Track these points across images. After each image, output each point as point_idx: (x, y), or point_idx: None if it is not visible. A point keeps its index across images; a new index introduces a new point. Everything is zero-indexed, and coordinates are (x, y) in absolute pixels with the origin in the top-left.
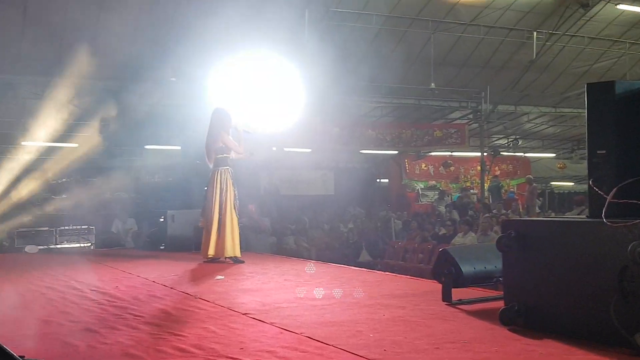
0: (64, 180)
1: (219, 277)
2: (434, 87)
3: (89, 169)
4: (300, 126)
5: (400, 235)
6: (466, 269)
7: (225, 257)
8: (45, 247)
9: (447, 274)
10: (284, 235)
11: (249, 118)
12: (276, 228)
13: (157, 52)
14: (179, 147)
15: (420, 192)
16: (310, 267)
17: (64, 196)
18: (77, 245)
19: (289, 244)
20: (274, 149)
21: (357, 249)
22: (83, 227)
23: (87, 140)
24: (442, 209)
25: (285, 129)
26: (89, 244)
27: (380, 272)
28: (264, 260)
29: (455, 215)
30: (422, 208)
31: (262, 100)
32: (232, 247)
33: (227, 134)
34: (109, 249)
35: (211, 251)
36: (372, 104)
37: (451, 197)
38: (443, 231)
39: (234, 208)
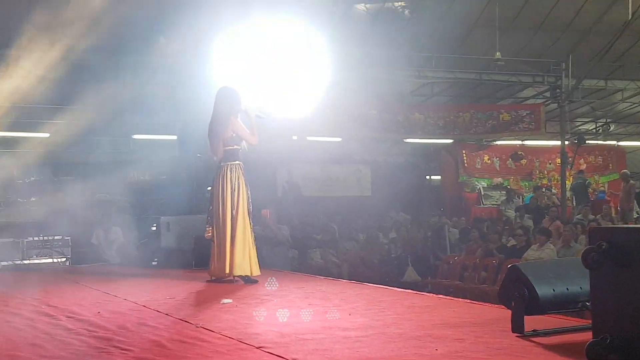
0: (32, 179)
1: (225, 300)
2: (499, 57)
3: (63, 166)
4: (327, 109)
5: (457, 248)
6: (543, 291)
7: (235, 276)
8: (10, 263)
9: (518, 298)
10: (307, 248)
11: (263, 99)
12: (297, 238)
13: (146, 16)
14: (174, 137)
15: (482, 192)
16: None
17: (32, 199)
18: (50, 260)
19: (313, 259)
20: (295, 137)
21: (402, 266)
22: (56, 237)
23: (61, 130)
24: (511, 213)
25: (309, 113)
26: (64, 259)
27: (432, 294)
28: (282, 280)
29: (528, 221)
30: (485, 213)
31: (279, 77)
32: (244, 263)
33: (237, 119)
34: (89, 265)
35: (228, 269)
36: (419, 80)
37: (522, 199)
38: (512, 242)
39: (248, 214)
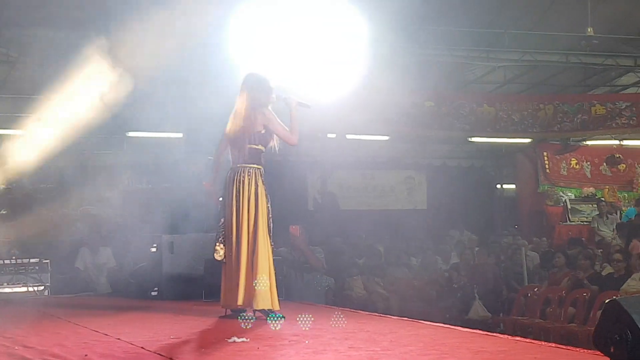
0: (2, 188)
1: (238, 339)
2: (591, 34)
3: (40, 171)
4: (371, 100)
5: (537, 277)
6: None
7: (255, 310)
8: None
9: (619, 342)
10: (346, 275)
11: (293, 84)
12: (334, 263)
13: None
14: (180, 135)
15: (568, 206)
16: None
17: (2, 212)
18: (24, 289)
19: (354, 289)
20: (331, 136)
21: (466, 298)
22: (32, 261)
23: (39, 127)
24: (607, 232)
25: (348, 105)
26: (42, 288)
27: (505, 336)
28: (315, 315)
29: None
30: (573, 232)
31: (310, 59)
32: (267, 295)
33: (271, 112)
34: (73, 295)
35: (241, 299)
36: (488, 64)
37: (620, 214)
38: (609, 270)
39: (268, 233)
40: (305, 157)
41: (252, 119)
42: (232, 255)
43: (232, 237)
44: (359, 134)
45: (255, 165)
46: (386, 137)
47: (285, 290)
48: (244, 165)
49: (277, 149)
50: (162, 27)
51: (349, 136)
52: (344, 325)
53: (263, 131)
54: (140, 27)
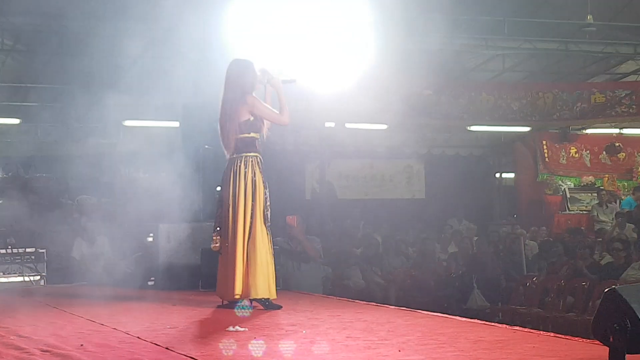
0: None
1: (237, 328)
2: (591, 21)
3: (37, 159)
4: (370, 88)
5: (536, 266)
6: None
7: (252, 299)
8: None
9: (618, 331)
10: (344, 265)
11: (286, 62)
12: (332, 253)
13: None
14: (176, 124)
15: (567, 195)
16: None
17: None
18: (20, 279)
19: (352, 279)
20: (329, 125)
21: (465, 288)
22: (28, 250)
23: (33, 114)
24: (606, 221)
25: (347, 93)
26: (38, 277)
27: (504, 326)
28: (312, 305)
29: (631, 232)
30: (572, 221)
31: (308, 44)
32: (265, 284)
33: (254, 97)
34: (69, 285)
35: (238, 289)
36: (487, 51)
37: (619, 203)
38: (608, 259)
39: (265, 222)
40: (303, 146)
41: (237, 108)
42: (228, 245)
43: (228, 227)
44: (358, 123)
45: (252, 154)
46: (385, 126)
47: (283, 281)
48: (239, 155)
49: (264, 137)
50: (156, 16)
51: (347, 125)
52: (341, 315)
53: (251, 118)
54: (137, 15)
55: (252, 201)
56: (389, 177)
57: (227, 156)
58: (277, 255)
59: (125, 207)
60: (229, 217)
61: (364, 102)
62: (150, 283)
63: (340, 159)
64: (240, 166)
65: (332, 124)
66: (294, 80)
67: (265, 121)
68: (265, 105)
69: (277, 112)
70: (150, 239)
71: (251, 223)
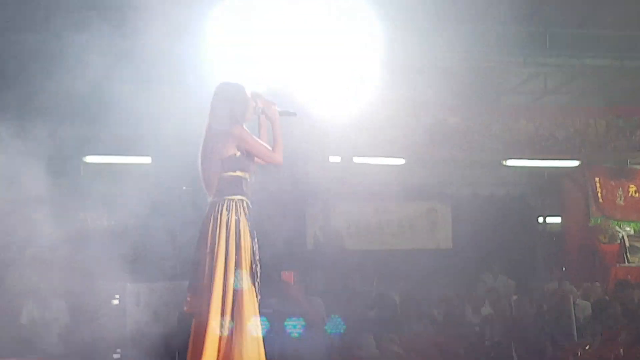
0: None
1: None
2: None
3: None
4: (384, 115)
5: (589, 331)
6: None
7: None
8: None
9: None
10: (354, 332)
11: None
12: (339, 317)
13: None
14: (148, 159)
15: (627, 244)
16: None
17: None
18: None
19: (364, 348)
20: (335, 159)
21: (502, 358)
22: None
23: None
24: None
25: (356, 120)
26: None
27: None
28: None
29: None
30: (633, 275)
31: (309, 61)
32: (252, 357)
33: (243, 129)
34: (17, 358)
35: None
36: (526, 69)
37: None
38: None
39: (254, 280)
40: (303, 185)
41: (221, 140)
42: (204, 310)
43: (205, 288)
44: (369, 157)
45: (237, 196)
46: (402, 161)
47: (278, 352)
48: (221, 197)
49: (254, 177)
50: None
51: (356, 159)
52: None
53: (238, 154)
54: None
55: (236, 255)
56: (407, 223)
57: (209, 199)
58: (270, 321)
59: (86, 263)
60: (205, 272)
61: (376, 132)
62: (116, 356)
63: (348, 201)
64: (222, 211)
65: (337, 159)
66: (294, 113)
67: (253, 160)
68: (255, 139)
69: (270, 149)
70: (116, 302)
71: (235, 281)
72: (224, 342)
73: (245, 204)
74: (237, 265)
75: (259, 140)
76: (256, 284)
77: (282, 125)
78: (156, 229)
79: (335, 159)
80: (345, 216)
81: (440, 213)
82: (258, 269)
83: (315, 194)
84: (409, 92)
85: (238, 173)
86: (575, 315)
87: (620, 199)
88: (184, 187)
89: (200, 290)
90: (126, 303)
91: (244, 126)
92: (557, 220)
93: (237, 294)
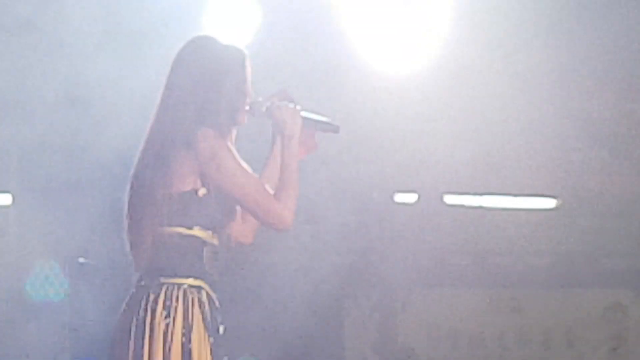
0: None
1: None
2: None
3: None
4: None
5: None
6: None
7: None
8: None
9: None
10: None
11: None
12: None
13: None
14: (7, 199)
15: None
16: None
17: None
18: None
19: None
20: (406, 198)
21: None
22: None
23: None
24: None
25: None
26: None
27: None
28: None
29: None
30: None
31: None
32: None
33: (223, 139)
34: None
35: None
36: None
37: None
38: None
39: None
40: (346, 255)
41: (175, 157)
42: None
43: None
44: (479, 195)
45: (184, 280)
46: (552, 202)
47: None
48: (156, 279)
49: (230, 239)
50: None
51: (449, 197)
52: None
53: (201, 191)
54: None
55: None
56: (562, 334)
57: (134, 280)
58: None
59: None
60: None
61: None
62: None
63: (435, 286)
64: (155, 310)
65: (411, 197)
66: (335, 127)
67: (234, 208)
68: (243, 167)
69: (270, 194)
70: None
71: None
72: None
73: (205, 297)
74: None
75: (249, 172)
76: None
77: (327, 120)
78: (17, 297)
79: (406, 198)
80: (428, 316)
81: (634, 312)
82: None
83: (370, 273)
84: (568, 93)
85: (196, 231)
86: None
87: None
88: (81, 259)
89: None
90: None
91: (231, 138)
92: None
93: None
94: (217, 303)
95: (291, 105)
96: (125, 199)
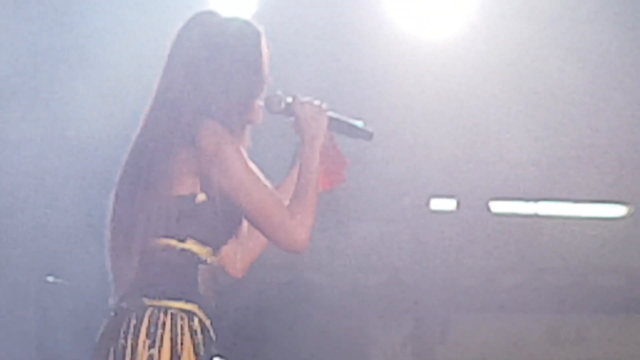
0: None
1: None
2: None
3: None
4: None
5: None
6: None
7: None
8: None
9: None
10: None
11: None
12: None
13: None
14: None
15: None
16: None
17: None
18: None
19: None
20: (444, 205)
21: None
22: None
23: None
24: None
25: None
26: None
27: None
28: None
29: None
30: None
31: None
32: None
33: (230, 136)
34: None
35: None
36: None
37: None
38: None
39: None
40: (372, 273)
41: (171, 149)
42: None
43: None
44: (529, 201)
45: (176, 304)
46: (623, 210)
47: None
48: (138, 301)
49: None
50: None
51: (495, 206)
52: None
53: (200, 197)
54: None
55: None
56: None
57: (113, 301)
58: None
59: None
60: None
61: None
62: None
63: (480, 311)
64: (138, 336)
65: (452, 204)
66: (369, 133)
67: (238, 222)
68: (254, 170)
69: (284, 208)
70: None
71: None
72: None
73: (198, 324)
74: None
75: (261, 178)
76: None
77: (364, 126)
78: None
79: (443, 204)
80: (472, 340)
81: None
82: None
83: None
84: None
85: (189, 245)
86: None
87: None
88: (49, 278)
89: None
90: None
91: (242, 139)
92: None
93: None
94: (212, 333)
95: (317, 102)
96: (110, 205)
